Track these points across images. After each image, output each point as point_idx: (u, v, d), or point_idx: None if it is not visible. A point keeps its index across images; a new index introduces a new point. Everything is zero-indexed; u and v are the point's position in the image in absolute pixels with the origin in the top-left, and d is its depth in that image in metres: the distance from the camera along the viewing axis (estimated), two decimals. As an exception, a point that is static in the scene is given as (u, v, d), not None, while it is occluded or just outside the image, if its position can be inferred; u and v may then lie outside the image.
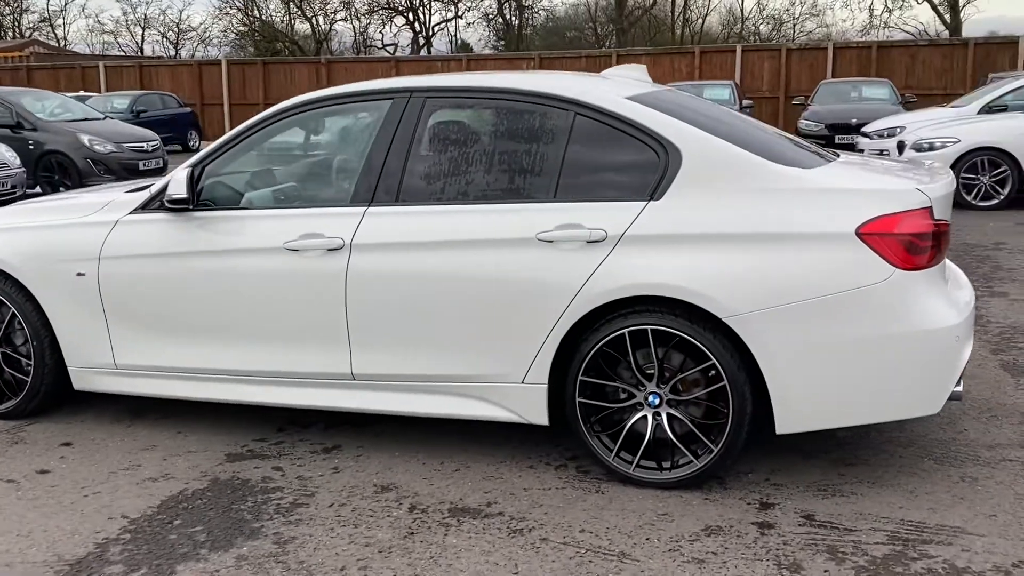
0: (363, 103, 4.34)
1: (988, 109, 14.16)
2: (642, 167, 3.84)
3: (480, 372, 4.00)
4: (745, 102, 19.70)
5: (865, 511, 3.64)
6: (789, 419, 3.68)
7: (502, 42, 44.93)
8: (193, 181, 4.26)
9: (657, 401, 3.83)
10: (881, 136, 14.98)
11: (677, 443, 3.81)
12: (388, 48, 44.92)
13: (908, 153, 12.18)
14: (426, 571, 3.27)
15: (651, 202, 3.79)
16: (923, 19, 58.54)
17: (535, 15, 42.88)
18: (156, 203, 4.43)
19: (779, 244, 3.64)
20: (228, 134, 4.43)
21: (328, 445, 4.41)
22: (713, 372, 3.73)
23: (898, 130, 14.66)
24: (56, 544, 3.51)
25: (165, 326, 4.40)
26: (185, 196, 4.20)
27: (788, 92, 23.42)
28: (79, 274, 4.49)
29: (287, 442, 4.46)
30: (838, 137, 17.74)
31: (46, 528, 3.64)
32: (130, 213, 4.47)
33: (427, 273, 3.98)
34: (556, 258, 3.83)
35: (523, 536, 3.50)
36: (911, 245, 3.58)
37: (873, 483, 3.88)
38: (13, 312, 4.65)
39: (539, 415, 3.98)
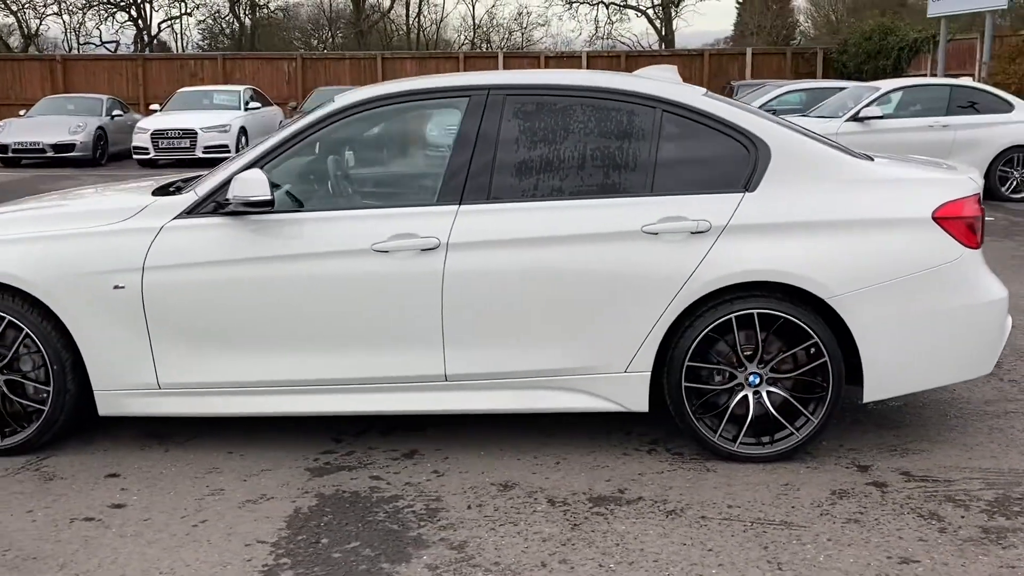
0: (437, 100, 4.27)
1: (857, 117, 15.46)
2: (732, 161, 4.09)
3: (582, 364, 4.08)
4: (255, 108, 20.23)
5: (944, 464, 4.09)
6: (876, 388, 4.07)
7: (230, 41, 43.35)
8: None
9: (757, 380, 4.09)
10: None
11: (780, 418, 4.09)
12: (108, 46, 41.99)
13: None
14: (626, 556, 3.34)
15: (747, 193, 4.05)
16: (636, 31, 62.95)
17: (272, 15, 41.71)
18: (209, 206, 4.11)
19: (866, 229, 4.02)
20: (287, 131, 4.19)
21: (404, 451, 4.30)
22: (813, 350, 4.03)
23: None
24: (217, 577, 3.24)
25: (229, 339, 4.10)
26: (269, 198, 3.94)
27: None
28: (117, 287, 4.07)
29: (357, 451, 4.30)
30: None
31: (187, 562, 3.33)
32: (176, 218, 4.12)
33: (528, 269, 4.01)
34: (661, 250, 3.99)
35: (682, 516, 3.64)
36: (971, 227, 4.08)
37: (928, 441, 4.36)
38: (27, 333, 4.12)
39: (640, 402, 4.12)
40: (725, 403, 4.11)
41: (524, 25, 44.97)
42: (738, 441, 4.09)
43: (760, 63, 24.82)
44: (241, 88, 20.65)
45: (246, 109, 19.93)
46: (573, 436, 4.42)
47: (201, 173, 4.87)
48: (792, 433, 4.08)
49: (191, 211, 4.12)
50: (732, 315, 4.01)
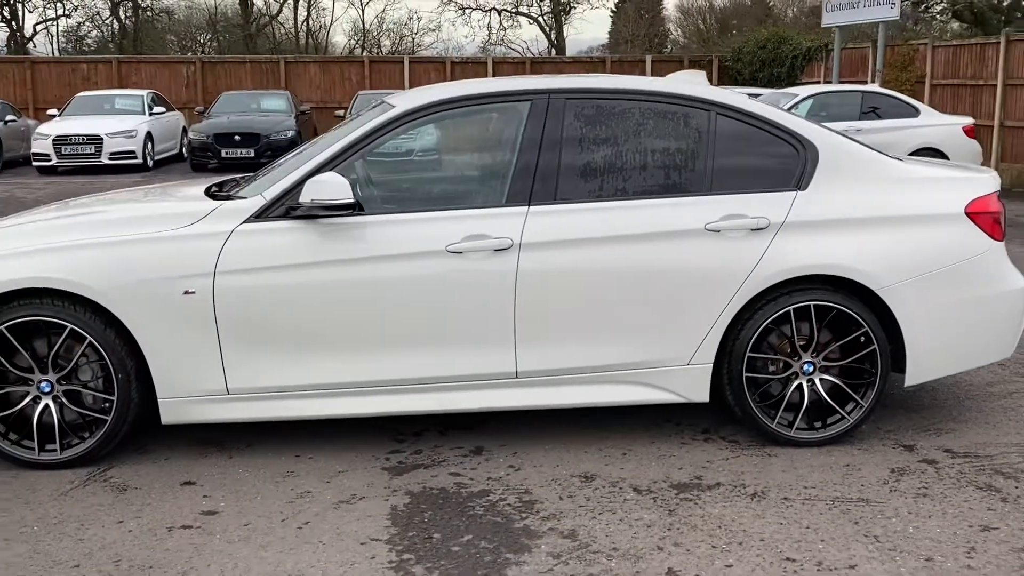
0: (500, 103, 4.35)
1: None
2: (783, 161, 4.32)
3: (648, 358, 4.25)
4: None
5: (977, 441, 4.42)
6: (917, 373, 4.37)
7: (110, 44, 41.85)
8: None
9: (811, 369, 4.33)
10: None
11: (833, 404, 4.33)
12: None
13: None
14: (733, 537, 3.51)
15: (799, 192, 4.29)
16: (526, 37, 63.46)
17: (157, 17, 40.45)
18: (279, 209, 4.10)
19: (907, 224, 4.31)
20: (354, 135, 4.21)
21: (470, 448, 4.37)
22: (863, 338, 4.30)
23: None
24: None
25: (300, 342, 4.09)
26: (352, 200, 3.96)
27: (455, 101, 24.53)
28: (187, 292, 4.02)
29: (425, 450, 4.35)
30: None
31: (311, 563, 3.34)
32: (245, 222, 4.09)
33: (598, 268, 4.15)
34: (724, 246, 4.19)
35: (766, 498, 3.84)
36: (997, 221, 4.43)
37: (954, 421, 4.68)
38: (90, 341, 4.02)
39: (701, 393, 4.31)
40: (781, 392, 4.32)
41: (415, 30, 44.87)
42: (794, 427, 4.32)
43: (659, 70, 25.47)
44: (144, 92, 20.05)
45: (150, 114, 19.36)
46: (630, 428, 4.57)
47: (240, 176, 4.83)
48: (843, 418, 4.33)
49: (260, 215, 4.10)
50: (791, 307, 4.23)
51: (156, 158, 19.15)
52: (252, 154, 18.17)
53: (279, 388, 4.12)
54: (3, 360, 4.04)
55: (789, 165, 4.33)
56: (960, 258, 4.34)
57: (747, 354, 4.26)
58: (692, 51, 36.34)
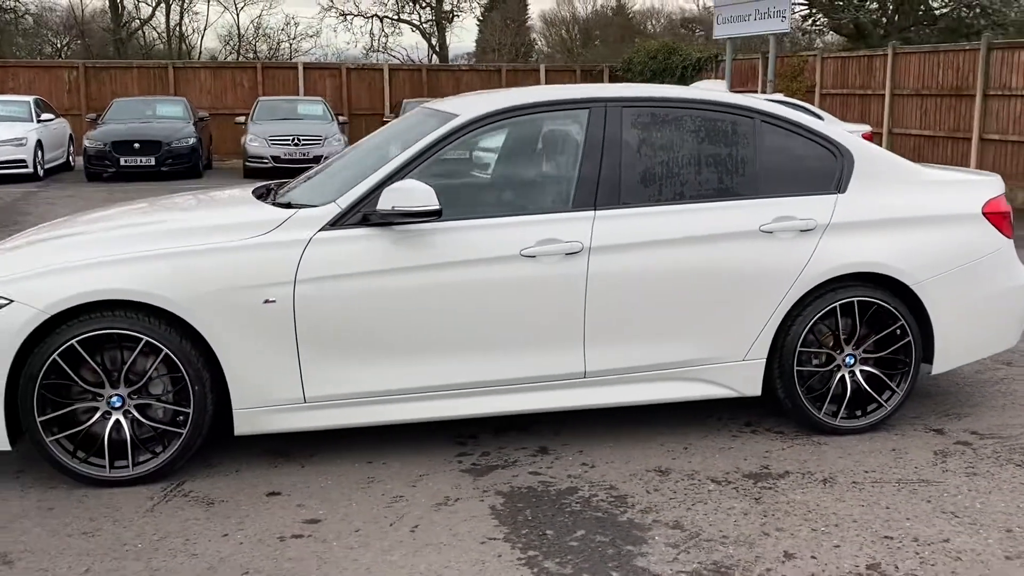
0: (560, 111, 4.47)
1: None
2: (822, 166, 4.60)
3: (707, 355, 4.44)
4: (341, 119, 20.26)
5: (995, 423, 4.79)
6: (943, 362, 4.72)
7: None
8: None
9: (852, 361, 4.62)
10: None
11: (873, 394, 4.63)
12: None
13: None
14: (827, 520, 3.72)
15: (839, 195, 4.57)
16: (405, 44, 63.02)
17: (21, 19, 38.50)
18: (355, 217, 4.11)
19: (934, 224, 4.65)
20: (422, 144, 4.24)
21: (534, 448, 4.47)
22: (899, 331, 4.61)
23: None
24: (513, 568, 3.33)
25: (377, 348, 4.11)
26: (438, 207, 4.01)
27: (351, 109, 24.37)
28: (267, 301, 3.99)
29: (491, 452, 4.42)
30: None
31: (445, 563, 3.38)
32: (322, 229, 4.08)
33: (661, 269, 4.32)
34: (777, 247, 4.44)
35: (837, 483, 4.09)
36: (1008, 219, 4.82)
37: (966, 406, 5.05)
38: (166, 354, 3.94)
39: (755, 387, 4.54)
40: (827, 383, 4.58)
41: (292, 35, 44.16)
42: (838, 416, 4.59)
43: (553, 79, 25.94)
44: (30, 99, 19.13)
45: (39, 121, 18.49)
46: (677, 424, 4.75)
47: (286, 181, 4.80)
48: (881, 406, 4.63)
49: (335, 223, 4.10)
50: (837, 303, 4.50)
51: (46, 167, 18.31)
52: (152, 162, 17.67)
53: (356, 395, 4.13)
54: (74, 376, 3.90)
55: (828, 169, 4.60)
56: (980, 255, 4.70)
57: (798, 349, 4.50)
58: (556, 60, 36.93)
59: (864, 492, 3.98)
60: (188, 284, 3.91)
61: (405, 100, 21.51)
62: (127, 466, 3.98)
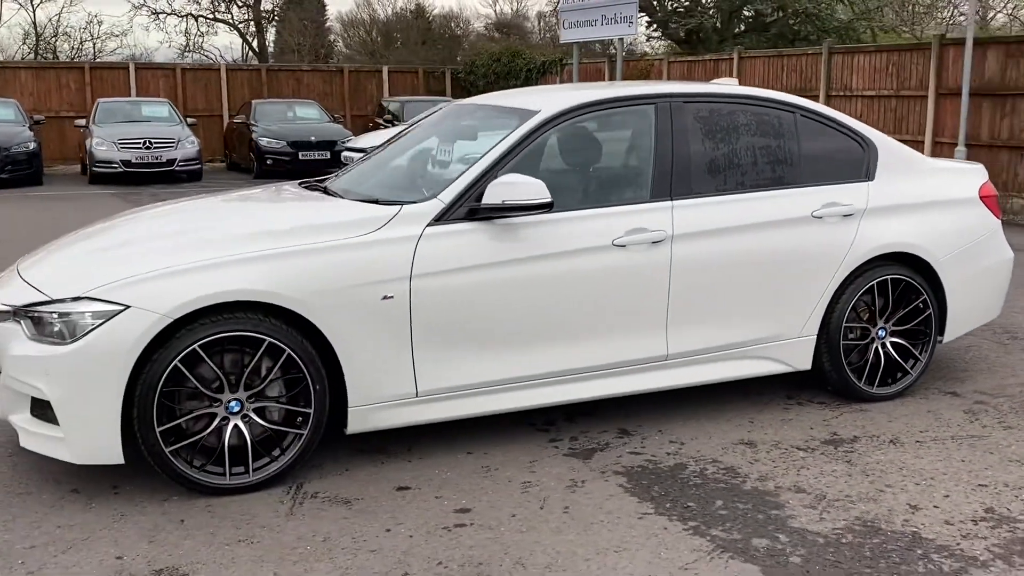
0: (630, 106, 4.66)
1: None
2: (852, 156, 5.03)
3: (768, 334, 4.78)
4: (190, 120, 19.55)
5: (995, 384, 5.36)
6: (952, 331, 5.26)
7: None
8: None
9: (884, 334, 5.07)
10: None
11: (901, 362, 5.10)
12: None
13: (455, 163, 13.94)
14: (920, 476, 4.11)
15: (870, 182, 5.01)
16: (219, 44, 60.48)
17: None
18: (460, 211, 4.17)
19: (945, 207, 5.18)
20: (508, 141, 4.33)
21: (617, 430, 4.64)
22: (922, 304, 5.10)
23: (393, 145, 16.40)
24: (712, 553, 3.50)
25: (484, 340, 4.19)
26: (550, 200, 4.12)
27: (187, 110, 23.47)
28: (386, 297, 3.99)
29: (579, 437, 4.56)
30: (302, 154, 18.80)
31: (622, 539, 3.52)
32: (430, 225, 4.12)
33: (731, 254, 4.62)
34: (826, 230, 4.83)
35: (904, 444, 4.50)
36: (996, 202, 5.42)
37: (960, 371, 5.62)
38: (288, 354, 3.87)
39: (807, 362, 4.91)
40: (863, 356, 5.01)
41: (95, 34, 41.76)
42: (875, 385, 5.02)
43: (395, 80, 25.90)
44: None
45: None
46: (730, 402, 5.03)
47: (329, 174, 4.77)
48: (908, 373, 5.10)
49: (441, 217, 4.14)
50: (874, 281, 4.93)
51: None
52: (-9, 170, 16.45)
53: (465, 386, 4.18)
54: (196, 382, 3.76)
55: (858, 159, 5.02)
56: (980, 235, 5.26)
57: (844, 324, 4.89)
58: (358, 61, 36.66)
59: (933, 449, 4.40)
60: (311, 283, 3.86)
61: (255, 101, 20.99)
62: (244, 472, 3.87)
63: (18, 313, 3.83)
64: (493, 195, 4.09)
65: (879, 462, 4.25)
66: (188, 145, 18.19)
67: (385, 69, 26.06)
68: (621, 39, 20.35)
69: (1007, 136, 13.36)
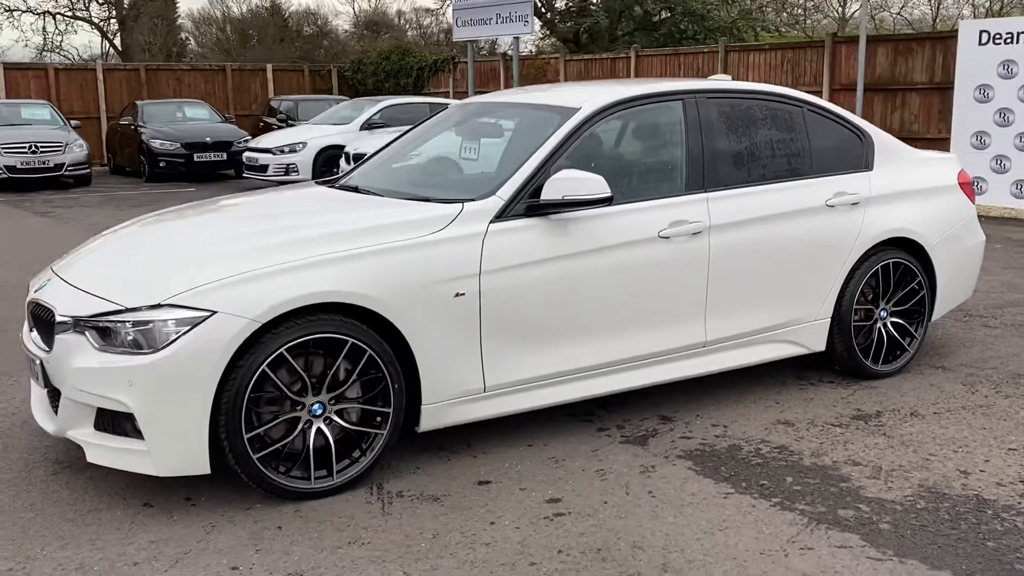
0: (660, 103, 4.80)
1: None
2: (852, 147, 5.33)
3: (792, 318, 5.03)
4: (74, 123, 18.73)
5: (974, 359, 5.77)
6: (938, 310, 5.63)
7: None
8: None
9: (885, 315, 5.40)
10: (283, 152, 16.28)
11: (901, 341, 5.44)
12: None
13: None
14: (958, 443, 4.42)
15: (869, 172, 5.33)
16: (77, 44, 57.53)
17: None
18: (519, 207, 4.23)
19: (932, 194, 5.54)
20: (556, 137, 4.40)
21: (658, 417, 4.78)
22: (917, 286, 5.45)
23: (300, 146, 16.21)
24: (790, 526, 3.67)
25: (546, 333, 4.27)
26: (610, 194, 4.22)
27: (63, 113, 22.43)
28: (458, 294, 4.02)
29: (625, 426, 4.69)
30: (197, 155, 18.30)
31: (732, 517, 3.67)
32: (492, 221, 4.17)
33: (760, 242, 4.83)
34: (838, 218, 5.11)
35: (925, 416, 4.81)
36: (971, 189, 5.83)
37: (940, 347, 6.02)
38: (369, 355, 3.86)
39: (821, 343, 5.19)
40: (869, 335, 5.32)
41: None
42: (880, 362, 5.34)
43: (280, 79, 25.40)
44: None
45: None
46: (749, 386, 5.25)
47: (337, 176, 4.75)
48: (905, 351, 5.44)
49: (502, 214, 4.19)
50: (879, 265, 5.25)
51: None
52: None
53: (528, 380, 4.25)
54: (283, 387, 3.71)
55: (857, 151, 5.32)
56: (960, 219, 5.65)
57: (854, 306, 5.18)
58: (211, 59, 35.83)
59: (952, 419, 4.72)
60: (390, 282, 3.85)
61: (141, 102, 20.25)
62: (327, 475, 3.84)
63: (80, 324, 3.69)
64: (553, 190, 4.17)
65: (911, 433, 4.53)
66: (76, 149, 17.45)
67: (269, 68, 25.54)
68: (516, 38, 20.61)
69: (898, 127, 14.18)
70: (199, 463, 3.62)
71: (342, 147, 15.95)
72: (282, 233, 3.99)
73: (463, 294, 4.00)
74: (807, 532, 3.53)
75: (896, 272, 5.34)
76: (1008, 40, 12.57)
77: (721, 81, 5.26)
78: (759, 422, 4.70)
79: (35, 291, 4.11)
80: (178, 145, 18.27)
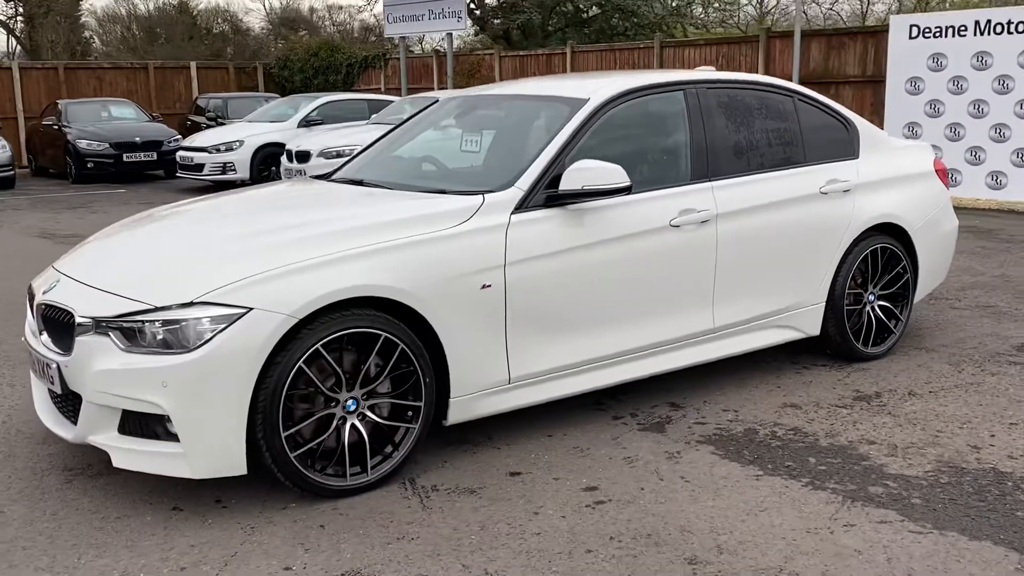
0: (664, 93, 4.85)
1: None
2: (839, 136, 5.47)
3: (791, 303, 5.14)
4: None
5: (954, 339, 5.97)
6: (919, 293, 5.82)
7: None
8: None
9: (873, 299, 5.56)
10: (219, 150, 15.97)
11: (888, 323, 5.60)
12: None
13: (318, 160, 13.63)
14: (960, 420, 4.57)
15: (856, 160, 5.48)
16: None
17: None
18: (539, 198, 4.24)
19: (912, 180, 5.72)
20: (569, 128, 4.41)
21: (667, 404, 4.84)
22: (901, 269, 5.62)
23: (237, 144, 15.92)
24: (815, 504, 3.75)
25: (567, 322, 4.28)
26: (629, 183, 4.25)
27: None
28: (484, 286, 4.01)
29: (637, 414, 4.74)
30: (126, 155, 17.83)
31: (768, 497, 3.74)
32: (514, 212, 4.17)
33: (762, 229, 4.93)
34: (831, 205, 5.24)
35: (923, 395, 4.96)
36: (946, 175, 6.04)
37: (917, 329, 6.22)
38: (402, 349, 3.82)
39: (817, 328, 5.31)
40: (858, 319, 5.46)
41: None
42: (869, 345, 5.49)
43: (204, 77, 24.86)
44: None
45: None
46: (743, 372, 5.34)
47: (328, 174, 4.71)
48: (892, 333, 5.61)
49: (521, 205, 4.19)
50: (868, 250, 5.39)
51: None
52: None
53: (551, 370, 4.26)
54: (319, 383, 3.65)
55: (844, 139, 5.46)
56: (938, 204, 5.84)
57: (847, 291, 5.32)
58: (118, 58, 34.97)
59: (949, 397, 4.88)
60: (420, 275, 3.82)
61: (64, 101, 19.63)
62: (361, 472, 3.79)
63: (103, 325, 3.57)
64: (572, 180, 4.18)
65: (914, 412, 4.67)
66: (-1, 150, 16.83)
67: (193, 65, 24.98)
68: (450, 34, 20.56)
69: (834, 120, 14.52)
70: (236, 464, 3.54)
71: (280, 145, 15.71)
72: (308, 227, 3.92)
73: (489, 286, 3.99)
74: (845, 510, 3.61)
75: (883, 257, 5.49)
76: (937, 34, 13.01)
77: (719, 72, 5.32)
78: (766, 406, 4.79)
79: (43, 293, 3.96)
80: (106, 145, 17.77)
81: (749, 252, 4.84)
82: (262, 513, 3.65)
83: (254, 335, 3.46)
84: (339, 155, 13.55)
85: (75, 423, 3.78)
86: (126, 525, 3.58)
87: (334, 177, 5.06)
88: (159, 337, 3.49)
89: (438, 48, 23.07)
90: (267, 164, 15.91)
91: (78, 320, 3.63)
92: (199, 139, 16.48)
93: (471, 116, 5.20)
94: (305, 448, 3.64)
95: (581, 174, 4.17)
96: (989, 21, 12.51)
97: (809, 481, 3.88)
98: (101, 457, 4.02)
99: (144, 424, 3.57)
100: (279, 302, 3.51)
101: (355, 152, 5.50)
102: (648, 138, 4.87)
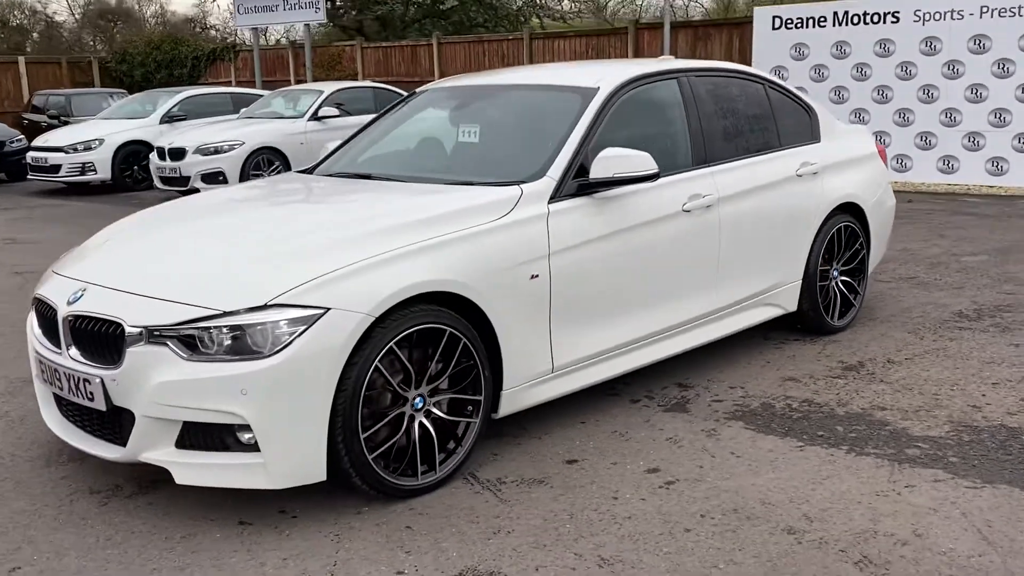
0: (661, 81, 4.95)
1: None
2: (802, 120, 5.76)
3: (775, 282, 5.37)
4: None
5: (897, 310, 6.40)
6: (871, 266, 6.21)
7: None
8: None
9: (836, 274, 5.88)
10: (77, 150, 15.11)
11: (851, 298, 5.94)
12: None
13: (194, 158, 13.06)
14: (955, 383, 4.92)
15: (819, 144, 5.78)
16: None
17: None
18: (571, 187, 4.27)
19: (861, 162, 6.08)
20: (588, 116, 4.46)
21: (675, 384, 4.98)
22: (858, 246, 5.97)
23: (96, 143, 15.11)
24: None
25: (604, 308, 4.34)
26: (657, 170, 4.33)
27: None
28: (533, 276, 4.02)
29: (654, 395, 4.83)
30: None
31: (819, 470, 3.93)
32: (551, 201, 4.20)
33: (754, 212, 5.13)
34: (806, 187, 5.51)
35: (901, 362, 5.28)
36: (885, 155, 6.45)
37: (881, 303, 6.62)
38: (464, 343, 3.79)
39: (794, 304, 5.58)
40: (827, 294, 5.77)
41: None
42: (836, 318, 5.81)
43: (35, 73, 23.32)
44: None
45: None
46: (728, 351, 5.53)
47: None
48: (853, 305, 5.95)
49: (555, 195, 4.21)
50: (834, 229, 5.70)
51: None
52: None
53: (588, 356, 4.31)
54: (393, 382, 3.57)
55: (807, 124, 5.74)
56: (883, 184, 6.23)
57: (818, 268, 5.61)
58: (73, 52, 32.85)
59: (925, 363, 5.23)
60: (476, 268, 3.79)
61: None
62: (430, 470, 3.74)
63: (158, 333, 3.37)
64: (601, 168, 4.22)
65: (903, 378, 4.98)
66: None
67: (22, 60, 23.42)
68: (307, 25, 20.11)
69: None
70: (316, 471, 3.41)
71: (143, 143, 15.03)
72: (356, 225, 3.81)
73: (537, 276, 3.99)
74: (899, 472, 3.83)
75: (845, 234, 5.80)
76: (799, 25, 13.77)
77: (701, 61, 5.48)
78: (768, 381, 4.99)
79: (70, 304, 3.68)
80: (-58, 147, 16.42)
81: (744, 234, 5.02)
82: (338, 520, 3.53)
83: (334, 336, 3.34)
84: (217, 151, 13.04)
85: (118, 442, 3.55)
86: (199, 544, 3.39)
87: (330, 172, 4.90)
88: (227, 343, 3.32)
89: (292, 40, 22.46)
90: (129, 163, 15.16)
91: (128, 330, 3.40)
92: (52, 138, 15.49)
93: (473, 106, 5.15)
94: (383, 449, 3.55)
95: (610, 162, 4.22)
96: (847, 12, 13.32)
97: (849, 448, 4.08)
98: (126, 476, 3.81)
99: (209, 436, 3.39)
100: (356, 301, 3.40)
101: (334, 147, 5.33)
102: (653, 125, 4.97)
